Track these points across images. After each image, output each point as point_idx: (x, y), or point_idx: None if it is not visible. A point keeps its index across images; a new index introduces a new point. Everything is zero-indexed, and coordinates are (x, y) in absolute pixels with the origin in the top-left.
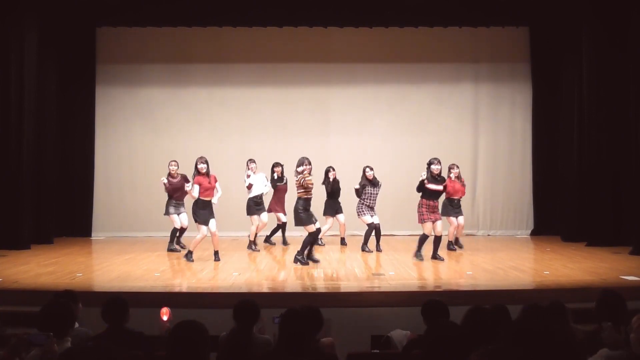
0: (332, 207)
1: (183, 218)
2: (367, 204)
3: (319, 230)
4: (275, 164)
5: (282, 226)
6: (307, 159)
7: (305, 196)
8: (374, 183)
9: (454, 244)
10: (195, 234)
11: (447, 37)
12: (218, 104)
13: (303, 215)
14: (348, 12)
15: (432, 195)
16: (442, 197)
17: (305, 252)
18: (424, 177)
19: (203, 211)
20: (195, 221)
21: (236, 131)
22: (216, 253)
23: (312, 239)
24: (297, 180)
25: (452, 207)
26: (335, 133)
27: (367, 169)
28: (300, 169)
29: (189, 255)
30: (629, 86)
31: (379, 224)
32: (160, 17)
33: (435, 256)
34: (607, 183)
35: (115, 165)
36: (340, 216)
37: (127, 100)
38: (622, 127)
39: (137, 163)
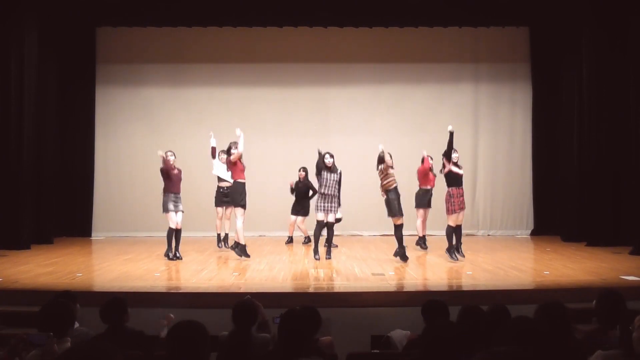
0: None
1: (179, 217)
2: (323, 191)
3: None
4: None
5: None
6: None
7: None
8: (331, 170)
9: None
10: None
11: (447, 37)
12: (218, 104)
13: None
14: (348, 12)
15: (458, 181)
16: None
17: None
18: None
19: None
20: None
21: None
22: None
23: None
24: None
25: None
26: (335, 133)
27: (327, 155)
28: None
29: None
30: (629, 86)
31: (331, 222)
32: (160, 17)
33: (458, 250)
34: (607, 183)
35: (115, 165)
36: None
37: (127, 100)
38: (622, 127)
39: (137, 163)
